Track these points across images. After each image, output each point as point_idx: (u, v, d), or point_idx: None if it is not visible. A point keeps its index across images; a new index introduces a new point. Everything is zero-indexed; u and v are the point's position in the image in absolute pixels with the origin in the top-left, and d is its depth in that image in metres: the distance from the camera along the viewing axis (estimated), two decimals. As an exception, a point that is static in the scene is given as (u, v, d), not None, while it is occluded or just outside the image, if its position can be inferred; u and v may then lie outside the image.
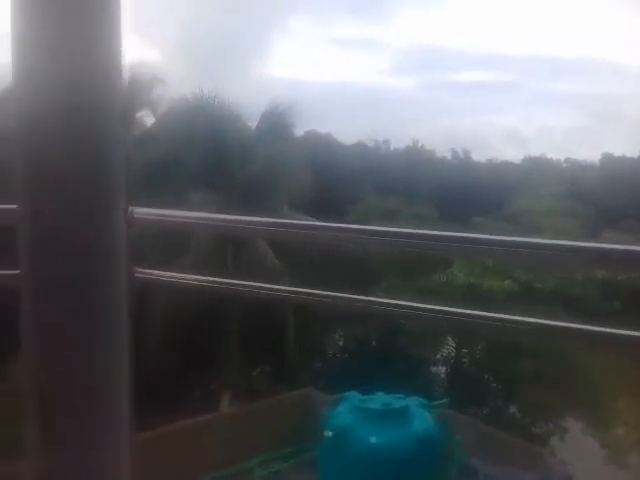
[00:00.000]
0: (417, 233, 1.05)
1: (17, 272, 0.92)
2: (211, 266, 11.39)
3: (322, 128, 28.65)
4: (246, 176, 13.51)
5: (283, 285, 1.38)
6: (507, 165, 32.85)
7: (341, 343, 17.98)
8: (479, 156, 32.79)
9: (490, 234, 1.03)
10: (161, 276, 1.20)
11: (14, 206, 0.92)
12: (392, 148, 33.69)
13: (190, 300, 10.44)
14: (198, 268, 10.70)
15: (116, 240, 0.96)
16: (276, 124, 14.59)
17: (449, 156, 32.76)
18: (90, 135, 0.91)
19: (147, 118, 14.42)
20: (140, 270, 1.08)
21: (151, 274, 1.14)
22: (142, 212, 1.08)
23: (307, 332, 15.07)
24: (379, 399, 7.85)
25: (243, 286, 1.26)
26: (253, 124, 14.84)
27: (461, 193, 25.38)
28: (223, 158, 13.10)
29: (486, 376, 16.85)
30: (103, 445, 0.96)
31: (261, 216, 1.29)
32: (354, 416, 7.50)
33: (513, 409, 16.20)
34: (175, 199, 10.68)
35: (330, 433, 7.44)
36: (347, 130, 30.24)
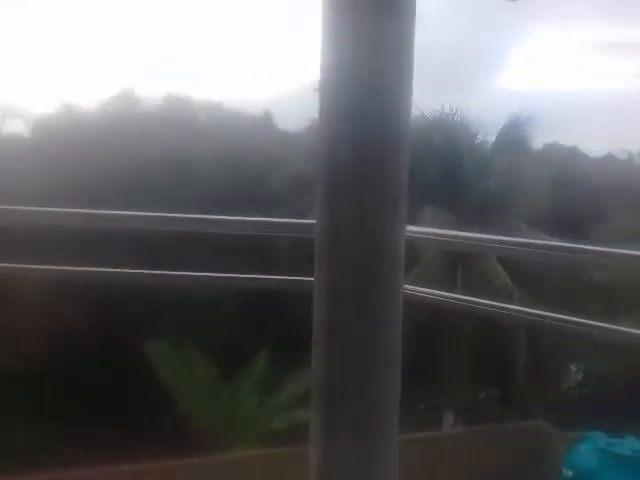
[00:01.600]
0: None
1: (312, 279, 1.04)
2: (440, 282, 11.37)
3: (567, 140, 26.45)
4: (480, 192, 13.21)
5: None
6: None
7: (580, 376, 16.41)
8: None
9: None
10: (429, 294, 1.26)
11: (314, 221, 1.04)
12: (648, 161, 29.55)
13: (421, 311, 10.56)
14: (426, 283, 10.76)
15: (394, 255, 1.02)
16: (514, 138, 14.01)
17: None
18: (378, 155, 0.97)
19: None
20: (407, 287, 1.15)
21: (420, 291, 1.21)
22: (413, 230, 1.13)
23: (539, 359, 14.07)
24: (629, 444, 6.96)
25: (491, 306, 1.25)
26: (490, 138, 14.48)
27: None
28: (457, 173, 13.01)
29: None
30: (375, 441, 1.05)
31: (495, 234, 1.27)
32: (598, 459, 6.77)
33: None
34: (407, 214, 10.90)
35: (570, 473, 6.84)
36: (595, 142, 27.39)
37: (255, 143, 15.68)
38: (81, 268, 2.52)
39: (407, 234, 1.10)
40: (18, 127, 15.77)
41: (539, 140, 16.67)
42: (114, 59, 21.27)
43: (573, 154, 26.21)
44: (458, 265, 12.86)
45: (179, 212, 2.35)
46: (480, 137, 14.43)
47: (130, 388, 11.53)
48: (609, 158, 28.11)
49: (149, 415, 10.87)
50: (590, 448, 6.93)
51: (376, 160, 0.97)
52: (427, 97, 14.26)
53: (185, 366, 11.62)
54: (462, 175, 13.11)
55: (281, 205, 12.00)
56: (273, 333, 12.08)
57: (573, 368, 16.32)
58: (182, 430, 10.25)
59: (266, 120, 19.30)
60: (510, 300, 10.87)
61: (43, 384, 11.58)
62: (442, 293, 1.26)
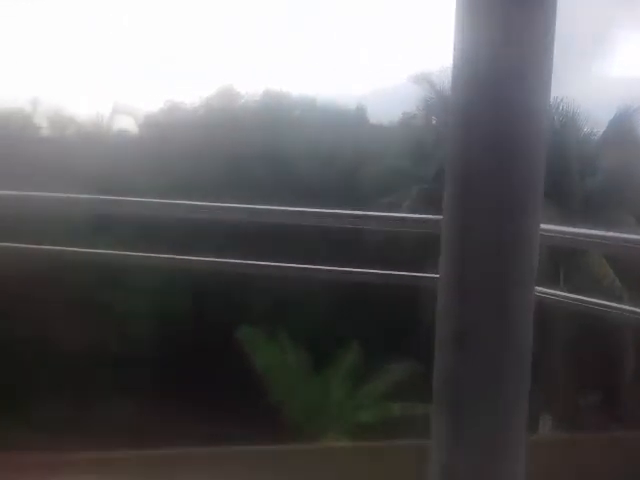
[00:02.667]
0: None
1: (436, 276, 1.03)
2: (541, 282, 10.88)
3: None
4: (588, 186, 12.50)
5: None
6: None
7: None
8: None
9: None
10: (565, 298, 1.22)
11: (440, 217, 1.02)
12: None
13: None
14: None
15: (528, 254, 0.98)
16: (624, 129, 13.14)
17: None
18: (514, 151, 0.92)
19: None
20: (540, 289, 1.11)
21: (554, 294, 1.17)
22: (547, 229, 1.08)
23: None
24: None
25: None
26: (598, 129, 13.65)
27: None
28: (564, 167, 12.39)
29: None
30: (503, 444, 1.02)
31: (601, 229, 1.19)
32: None
33: None
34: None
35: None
36: None
37: (348, 137, 15.73)
38: (179, 257, 2.65)
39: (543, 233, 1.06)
40: (127, 124, 16.82)
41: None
42: (215, 57, 22.11)
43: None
44: (560, 263, 12.25)
45: (275, 205, 2.41)
46: (587, 129, 13.67)
47: (223, 373, 11.99)
48: None
49: (240, 400, 11.26)
50: None
51: (512, 157, 0.94)
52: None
53: (277, 354, 11.93)
54: (569, 168, 12.47)
55: (373, 200, 11.97)
56: (363, 326, 12.12)
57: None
58: (272, 416, 10.55)
59: (359, 114, 19.31)
60: (620, 301, 10.20)
61: (146, 367, 12.33)
62: (572, 296, 1.20)
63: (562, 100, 12.88)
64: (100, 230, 11.15)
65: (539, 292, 1.08)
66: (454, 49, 0.96)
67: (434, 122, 15.22)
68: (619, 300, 10.66)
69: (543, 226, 1.05)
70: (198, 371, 12.50)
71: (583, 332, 11.02)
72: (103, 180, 11.38)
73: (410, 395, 10.67)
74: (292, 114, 16.76)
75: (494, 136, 0.92)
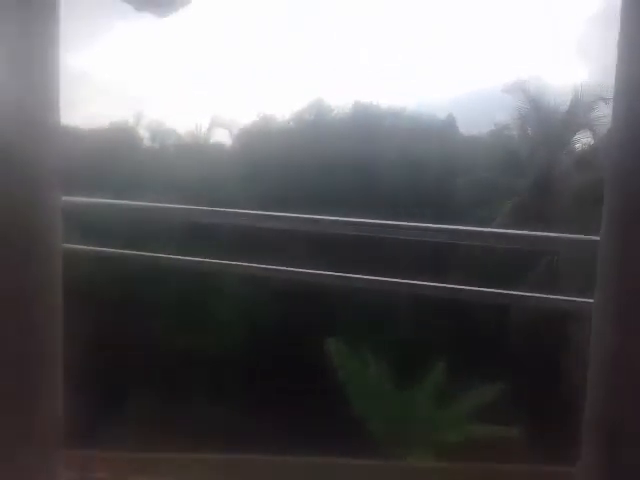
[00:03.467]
0: None
1: (590, 301, 0.95)
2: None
3: None
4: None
5: None
6: None
7: None
8: None
9: None
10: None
11: (597, 237, 0.95)
12: None
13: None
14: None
15: None
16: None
17: None
18: None
19: (587, 140, 13.84)
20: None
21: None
22: None
23: None
24: None
25: None
26: None
27: None
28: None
29: None
30: None
31: None
32: None
33: None
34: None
35: None
36: None
37: (437, 148, 15.47)
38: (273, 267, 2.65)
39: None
40: (223, 136, 17.53)
41: None
42: (305, 70, 22.58)
43: None
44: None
45: (366, 217, 2.36)
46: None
47: (306, 383, 12.05)
48: None
49: (322, 411, 11.27)
50: None
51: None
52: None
53: (361, 368, 11.84)
54: None
55: (465, 213, 11.66)
56: (451, 342, 11.79)
57: None
58: (352, 430, 10.45)
59: (449, 124, 18.98)
60: None
61: (232, 371, 12.66)
62: None
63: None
64: (197, 238, 11.64)
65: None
66: (618, 60, 0.91)
67: (529, 133, 14.62)
68: None
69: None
70: (281, 379, 12.67)
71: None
72: (199, 189, 11.88)
73: (496, 418, 10.25)
74: (381, 125, 16.74)
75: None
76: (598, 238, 0.93)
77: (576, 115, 12.44)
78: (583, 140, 13.82)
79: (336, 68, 20.60)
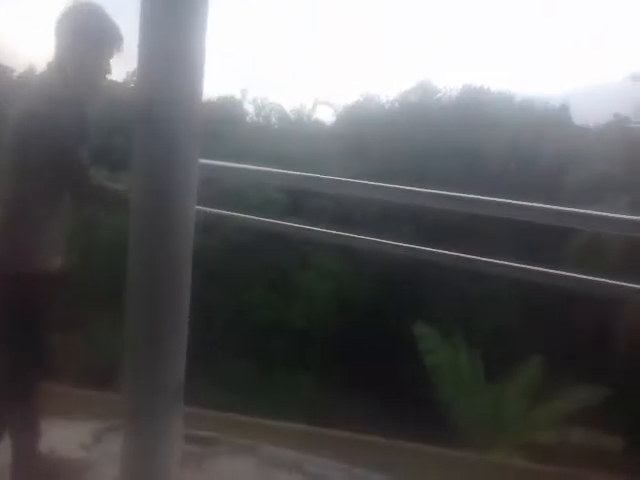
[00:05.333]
0: None
1: None
2: None
3: None
4: None
5: None
6: None
7: None
8: None
9: None
10: None
11: None
12: None
13: None
14: None
15: None
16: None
17: None
18: None
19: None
20: None
21: None
22: None
23: None
24: None
25: None
26: None
27: None
28: None
29: None
30: None
31: None
32: None
33: None
34: None
35: None
36: None
37: (549, 138, 14.74)
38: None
39: None
40: (326, 114, 17.64)
41: None
42: (414, 52, 22.14)
43: None
44: None
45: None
46: None
47: (393, 366, 11.98)
48: None
49: (404, 394, 11.16)
50: None
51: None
52: None
53: (451, 356, 11.56)
54: None
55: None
56: (550, 337, 11.27)
57: None
58: (437, 419, 10.27)
59: (562, 114, 18.11)
60: None
61: (321, 346, 12.83)
62: None
63: None
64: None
65: None
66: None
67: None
68: None
69: None
70: (368, 358, 12.68)
71: None
72: (301, 165, 12.03)
73: (595, 423, 9.67)
74: (489, 110, 16.15)
75: None
76: None
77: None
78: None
79: (447, 50, 20.06)
